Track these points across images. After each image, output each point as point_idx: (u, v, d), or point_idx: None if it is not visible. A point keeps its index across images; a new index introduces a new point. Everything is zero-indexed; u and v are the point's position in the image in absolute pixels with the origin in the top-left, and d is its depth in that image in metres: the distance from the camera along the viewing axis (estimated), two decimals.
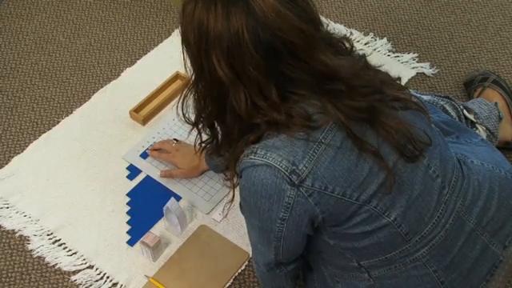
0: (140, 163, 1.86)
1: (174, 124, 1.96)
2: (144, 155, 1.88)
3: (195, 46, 1.10)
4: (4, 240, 1.72)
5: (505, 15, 2.31)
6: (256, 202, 1.14)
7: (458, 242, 1.26)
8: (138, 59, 2.17)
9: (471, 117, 1.72)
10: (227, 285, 1.63)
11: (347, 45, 1.19)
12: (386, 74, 1.23)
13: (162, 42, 2.22)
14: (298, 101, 1.11)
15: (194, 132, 1.27)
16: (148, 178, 1.83)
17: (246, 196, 1.17)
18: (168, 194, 1.78)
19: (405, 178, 1.17)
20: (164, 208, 1.67)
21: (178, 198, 1.77)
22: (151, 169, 1.85)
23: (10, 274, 1.66)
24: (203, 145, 1.28)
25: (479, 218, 1.29)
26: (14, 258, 1.69)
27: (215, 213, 1.75)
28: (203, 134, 1.26)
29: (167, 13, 2.33)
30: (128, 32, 2.26)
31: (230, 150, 1.19)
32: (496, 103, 1.80)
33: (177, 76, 2.07)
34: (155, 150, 1.84)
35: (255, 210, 1.16)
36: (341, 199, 1.13)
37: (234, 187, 1.23)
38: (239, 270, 1.65)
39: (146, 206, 1.77)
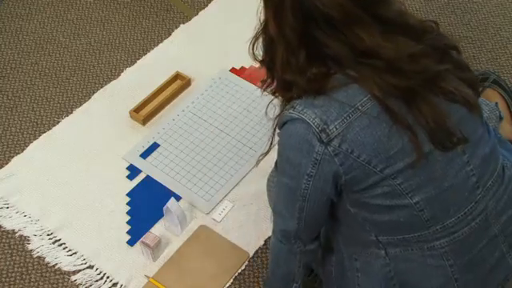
0: (140, 163, 1.86)
1: (174, 124, 1.96)
2: (144, 155, 1.88)
3: None
4: (4, 240, 1.72)
5: (505, 15, 2.31)
6: (288, 154, 1.19)
7: (479, 244, 1.26)
8: (138, 59, 2.17)
9: None
10: (227, 285, 1.63)
11: (418, 28, 1.19)
12: (458, 69, 1.21)
13: (162, 41, 2.22)
14: (334, 69, 1.15)
15: None
16: (148, 178, 1.83)
17: (282, 148, 1.21)
18: (168, 193, 1.78)
19: (438, 167, 1.18)
20: (164, 208, 1.67)
21: (178, 198, 1.77)
22: (151, 169, 1.85)
23: (10, 274, 1.66)
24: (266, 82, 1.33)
25: (504, 226, 1.29)
26: (14, 257, 1.69)
27: (215, 213, 1.75)
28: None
29: (167, 13, 2.33)
30: (128, 32, 2.26)
31: (283, 97, 1.26)
32: (496, 103, 1.80)
33: (177, 76, 2.07)
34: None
35: (287, 164, 1.21)
36: (364, 166, 1.15)
37: (273, 136, 1.27)
38: (239, 270, 1.65)
39: (145, 206, 1.77)
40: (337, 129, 1.13)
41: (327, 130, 1.13)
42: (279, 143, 1.22)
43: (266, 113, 1.29)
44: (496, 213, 1.28)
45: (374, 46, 1.11)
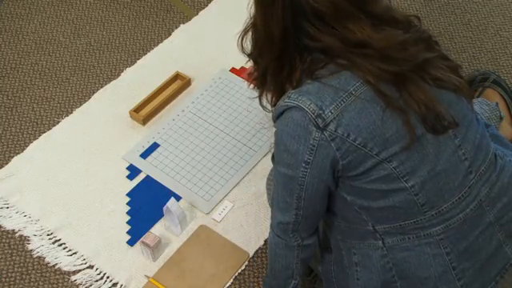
0: (140, 163, 1.86)
1: (174, 124, 1.96)
2: (144, 155, 1.88)
3: None
4: (4, 240, 1.72)
5: (505, 15, 2.31)
6: (285, 143, 1.20)
7: (475, 231, 1.27)
8: (138, 59, 2.17)
9: None
10: (227, 285, 1.63)
11: (403, 20, 1.22)
12: (442, 57, 1.24)
13: (161, 42, 2.22)
14: (325, 60, 1.17)
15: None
16: (148, 177, 1.83)
17: (278, 138, 1.22)
18: (168, 193, 1.78)
19: (430, 150, 1.20)
20: (164, 208, 1.67)
21: (178, 198, 1.77)
22: (151, 169, 1.85)
23: (10, 274, 1.66)
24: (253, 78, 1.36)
25: (500, 214, 1.30)
26: (14, 257, 1.69)
27: (215, 213, 1.75)
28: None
29: (167, 13, 2.33)
30: (128, 32, 2.26)
31: (271, 88, 1.30)
32: (497, 103, 1.80)
33: (177, 76, 2.07)
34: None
35: (284, 153, 1.21)
36: (361, 149, 1.16)
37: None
38: (239, 270, 1.65)
39: (146, 205, 1.77)
40: (332, 113, 1.15)
41: (323, 115, 1.14)
42: (276, 132, 1.23)
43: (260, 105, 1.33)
44: (490, 200, 1.29)
45: (365, 37, 1.14)
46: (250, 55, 1.31)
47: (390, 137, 1.16)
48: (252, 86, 1.37)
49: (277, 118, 1.22)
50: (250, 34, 1.29)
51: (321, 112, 1.15)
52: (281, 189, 1.28)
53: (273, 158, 1.30)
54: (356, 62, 1.15)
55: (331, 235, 1.39)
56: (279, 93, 1.27)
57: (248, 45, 1.30)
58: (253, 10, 1.24)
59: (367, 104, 1.15)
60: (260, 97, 1.36)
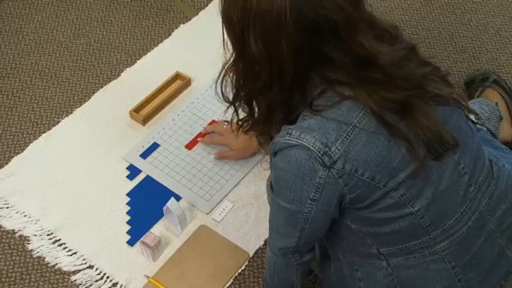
0: (140, 163, 1.86)
1: (174, 124, 1.96)
2: (144, 155, 1.88)
3: (238, 25, 1.14)
4: (4, 240, 1.72)
5: (505, 15, 2.31)
6: (288, 181, 1.15)
7: (477, 241, 1.27)
8: (138, 59, 2.17)
9: (472, 117, 1.71)
10: (227, 285, 1.63)
11: (392, 32, 1.18)
12: (434, 69, 1.21)
13: (161, 41, 2.22)
14: (321, 87, 1.12)
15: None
16: (148, 177, 1.83)
17: (279, 175, 1.17)
18: (168, 193, 1.78)
19: (434, 171, 1.18)
20: (164, 208, 1.67)
21: (178, 198, 1.77)
22: (151, 169, 1.85)
23: (10, 274, 1.66)
24: (240, 123, 1.30)
25: (500, 221, 1.30)
26: (13, 258, 1.69)
27: (215, 213, 1.75)
28: (239, 113, 1.28)
29: (167, 13, 2.33)
30: (128, 32, 2.26)
31: (266, 127, 1.22)
32: (497, 103, 1.80)
33: (177, 76, 2.07)
34: (207, 133, 1.88)
35: (286, 190, 1.17)
36: (369, 183, 1.13)
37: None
38: (239, 270, 1.65)
39: (146, 206, 1.77)
40: (339, 150, 1.10)
41: (329, 153, 1.10)
42: (275, 168, 1.18)
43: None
44: (490, 208, 1.28)
45: (374, 50, 1.09)
46: (236, 101, 1.22)
47: (396, 166, 1.13)
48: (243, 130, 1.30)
49: (275, 153, 1.17)
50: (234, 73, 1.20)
51: (327, 149, 1.10)
52: (282, 219, 1.24)
53: (271, 188, 1.26)
54: (358, 91, 1.10)
55: (331, 249, 1.38)
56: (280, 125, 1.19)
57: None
58: (231, 44, 1.15)
59: (372, 135, 1.11)
60: (259, 136, 1.28)
